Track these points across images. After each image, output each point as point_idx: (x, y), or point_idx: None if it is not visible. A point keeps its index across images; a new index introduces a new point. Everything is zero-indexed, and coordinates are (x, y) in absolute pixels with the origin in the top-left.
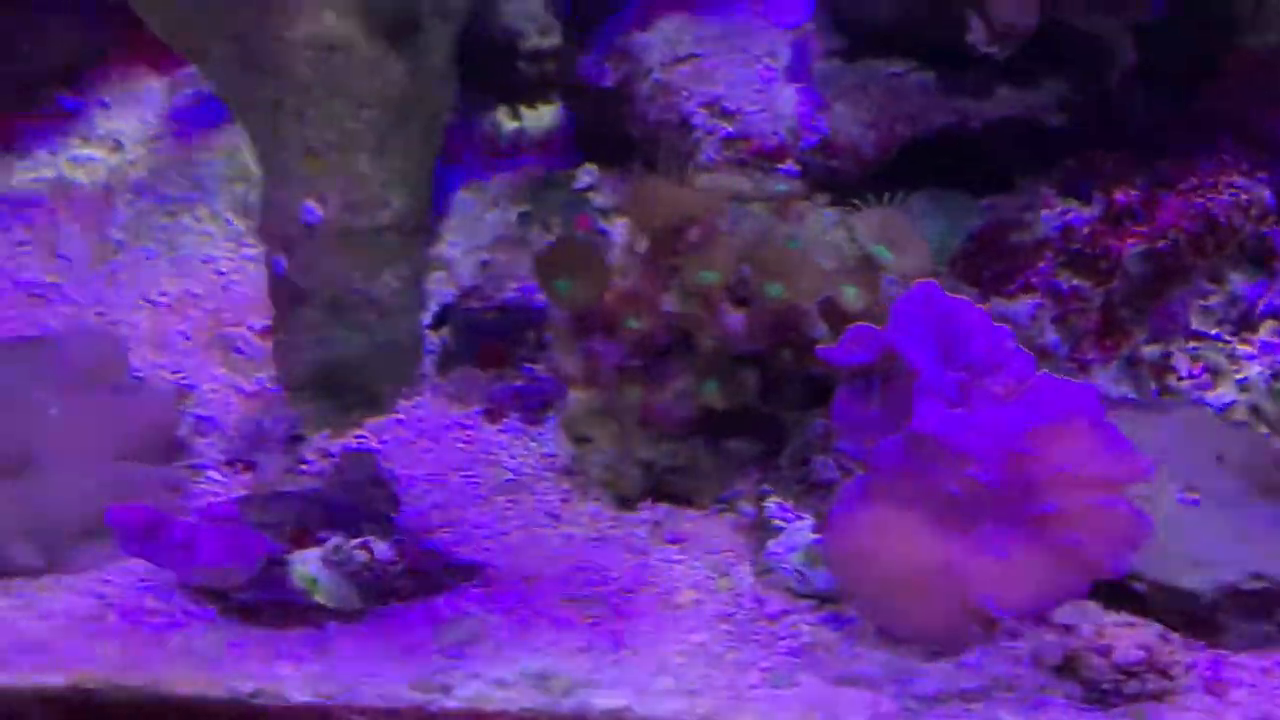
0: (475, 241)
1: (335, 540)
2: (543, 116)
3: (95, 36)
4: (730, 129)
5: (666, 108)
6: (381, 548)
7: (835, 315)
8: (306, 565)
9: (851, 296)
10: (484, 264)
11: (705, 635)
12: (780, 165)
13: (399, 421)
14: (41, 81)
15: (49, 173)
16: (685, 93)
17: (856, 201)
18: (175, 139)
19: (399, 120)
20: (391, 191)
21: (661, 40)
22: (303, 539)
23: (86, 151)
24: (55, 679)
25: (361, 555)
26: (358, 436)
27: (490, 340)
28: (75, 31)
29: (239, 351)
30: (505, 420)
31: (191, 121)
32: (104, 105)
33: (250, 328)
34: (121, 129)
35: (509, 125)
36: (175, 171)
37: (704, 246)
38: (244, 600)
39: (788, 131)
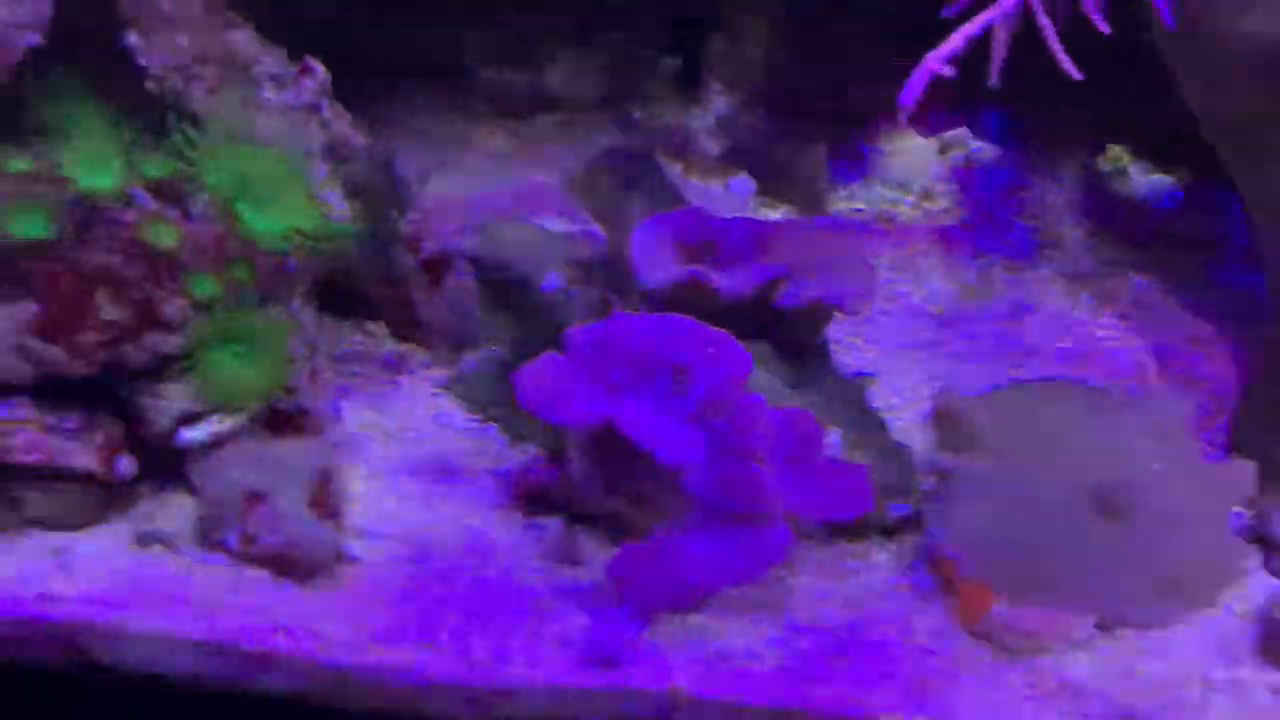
0: None
1: None
2: None
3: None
4: None
5: None
6: None
7: None
8: None
9: None
10: None
11: None
12: None
13: None
14: (844, 126)
15: (862, 205)
16: None
17: None
18: (962, 196)
19: None
20: None
21: None
22: None
23: (888, 192)
24: None
25: None
26: None
27: None
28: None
29: None
30: None
31: (973, 182)
32: (884, 154)
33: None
34: (907, 177)
35: None
36: (993, 227)
37: None
38: None
39: None
